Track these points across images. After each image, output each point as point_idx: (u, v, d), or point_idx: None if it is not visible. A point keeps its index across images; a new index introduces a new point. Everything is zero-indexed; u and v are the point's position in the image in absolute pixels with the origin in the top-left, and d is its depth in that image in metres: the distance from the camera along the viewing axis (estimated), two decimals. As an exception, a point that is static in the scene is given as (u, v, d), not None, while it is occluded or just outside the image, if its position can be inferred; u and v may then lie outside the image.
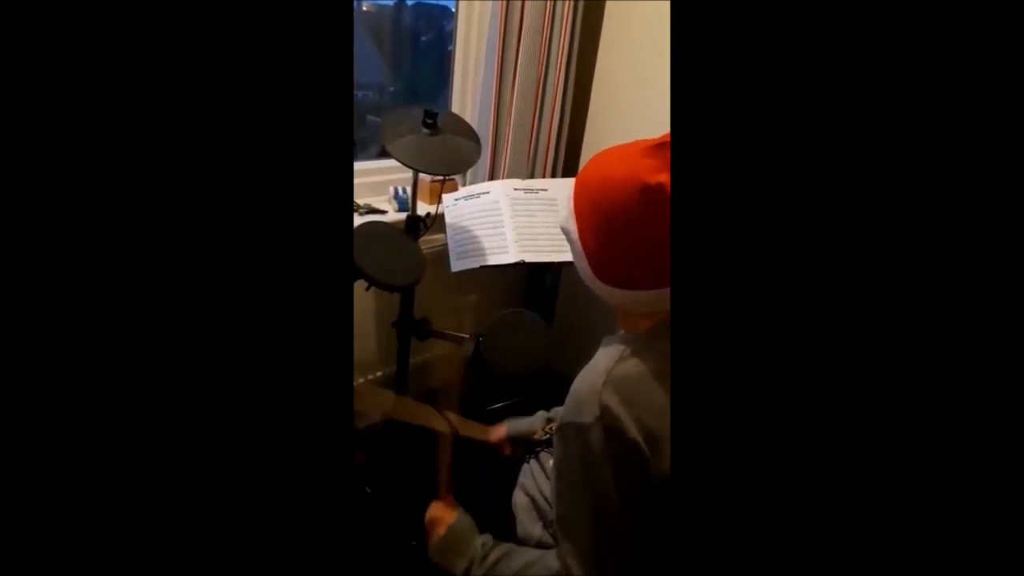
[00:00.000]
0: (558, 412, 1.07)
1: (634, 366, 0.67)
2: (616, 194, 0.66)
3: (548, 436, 0.99)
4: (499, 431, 1.14)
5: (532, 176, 1.80)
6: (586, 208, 0.70)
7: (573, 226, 0.72)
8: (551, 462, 0.94)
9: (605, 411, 0.64)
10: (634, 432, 0.63)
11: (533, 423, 1.09)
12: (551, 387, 1.15)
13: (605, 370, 0.67)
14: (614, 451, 0.64)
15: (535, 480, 0.94)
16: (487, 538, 0.84)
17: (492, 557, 0.79)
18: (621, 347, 0.69)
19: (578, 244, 0.72)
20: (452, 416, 1.13)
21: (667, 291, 0.67)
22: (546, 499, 0.89)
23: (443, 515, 0.88)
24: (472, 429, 1.16)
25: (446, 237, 1.54)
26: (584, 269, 0.73)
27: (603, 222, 0.68)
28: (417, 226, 1.41)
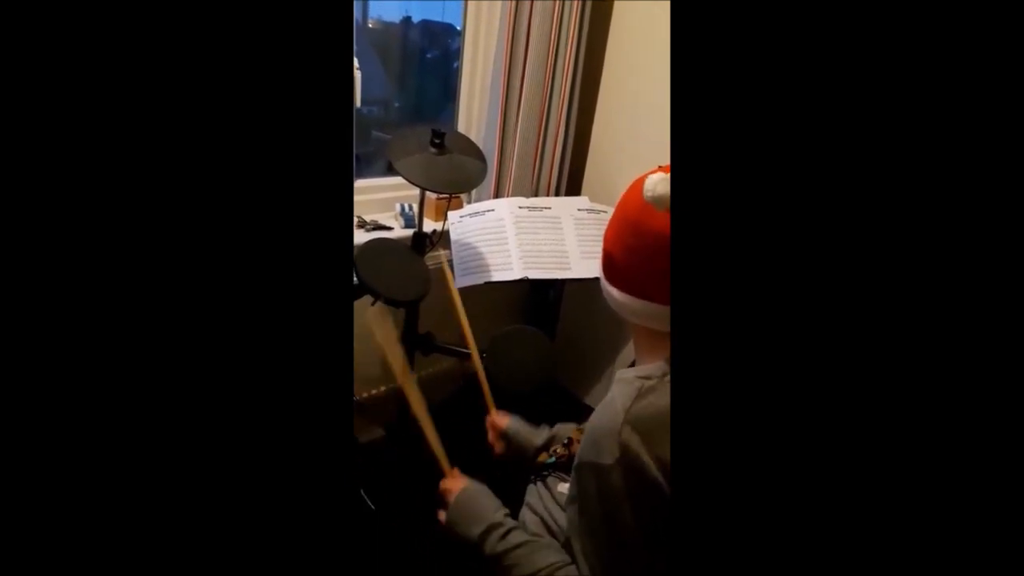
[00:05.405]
0: (560, 429, 1.05)
1: (651, 403, 0.66)
2: (632, 191, 0.69)
3: (554, 459, 0.97)
4: (503, 421, 1.10)
5: (536, 195, 1.83)
6: (615, 209, 0.73)
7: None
8: (559, 487, 0.93)
9: (625, 451, 0.63)
10: (655, 471, 0.63)
11: (533, 437, 1.06)
12: (553, 402, 1.15)
13: (623, 408, 0.65)
14: (634, 490, 0.64)
15: (543, 502, 0.92)
16: (505, 509, 0.82)
17: (513, 538, 0.78)
18: (638, 383, 0.68)
19: (601, 246, 0.74)
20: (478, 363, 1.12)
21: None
22: (556, 522, 0.88)
23: (452, 485, 0.87)
24: (486, 394, 1.14)
25: (451, 253, 1.56)
26: (600, 271, 0.75)
27: (617, 218, 0.71)
28: (423, 242, 1.44)
